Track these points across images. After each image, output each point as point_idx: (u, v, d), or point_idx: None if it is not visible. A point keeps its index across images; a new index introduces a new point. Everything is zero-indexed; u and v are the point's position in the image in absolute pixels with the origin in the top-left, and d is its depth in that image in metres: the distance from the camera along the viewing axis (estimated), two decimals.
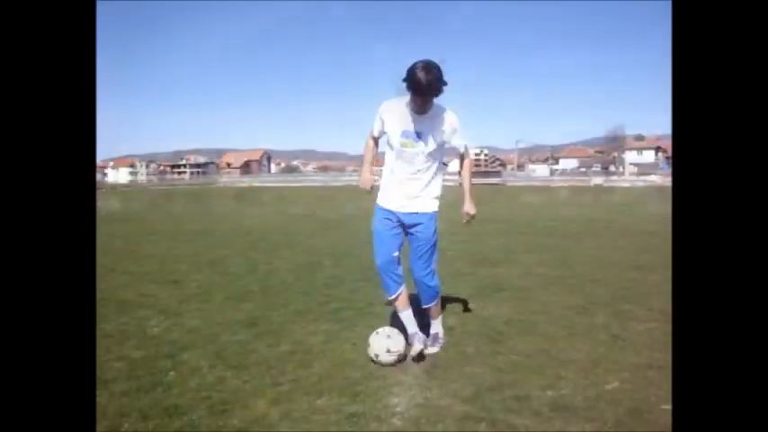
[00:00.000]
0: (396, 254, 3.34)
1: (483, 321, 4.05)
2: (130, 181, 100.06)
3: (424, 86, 2.97)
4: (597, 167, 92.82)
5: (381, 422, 2.50)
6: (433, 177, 3.32)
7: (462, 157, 3.47)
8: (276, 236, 9.66)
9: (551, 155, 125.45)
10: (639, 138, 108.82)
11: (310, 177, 78.14)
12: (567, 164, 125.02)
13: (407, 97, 3.14)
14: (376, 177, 3.45)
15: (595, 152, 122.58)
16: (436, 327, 3.56)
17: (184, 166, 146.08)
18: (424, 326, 3.49)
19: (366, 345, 3.28)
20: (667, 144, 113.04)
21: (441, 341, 3.51)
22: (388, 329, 3.33)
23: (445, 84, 3.04)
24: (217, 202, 21.80)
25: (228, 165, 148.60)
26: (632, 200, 21.37)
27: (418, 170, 3.26)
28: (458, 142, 3.32)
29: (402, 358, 3.23)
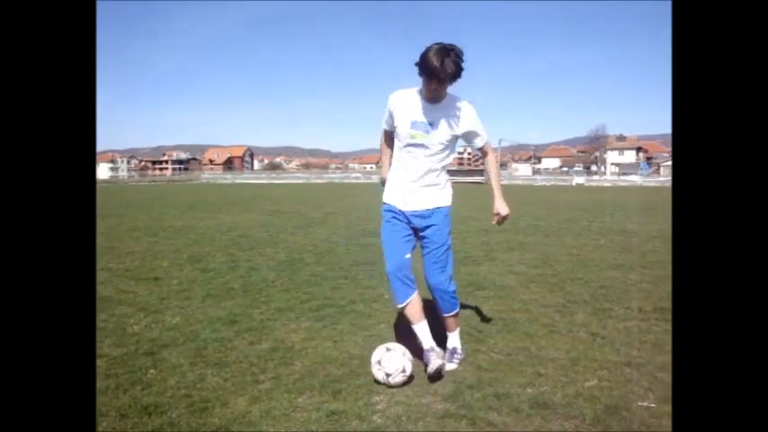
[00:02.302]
0: (408, 256, 3.05)
1: (464, 320, 4.06)
2: (111, 176, 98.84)
3: (440, 71, 2.69)
4: (579, 167, 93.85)
5: (362, 420, 2.50)
6: (444, 170, 3.07)
7: (484, 153, 3.20)
8: (258, 233, 9.61)
9: (534, 154, 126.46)
10: (621, 138, 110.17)
11: (293, 174, 77.83)
12: (550, 163, 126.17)
13: (418, 86, 2.92)
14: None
15: (577, 152, 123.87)
16: (454, 340, 3.25)
17: (166, 162, 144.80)
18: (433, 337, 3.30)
19: (370, 361, 2.97)
20: (648, 144, 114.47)
21: (459, 355, 3.20)
22: (387, 344, 3.01)
23: (462, 69, 2.75)
24: (199, 199, 21.61)
25: (211, 161, 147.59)
26: (613, 199, 21.60)
27: (430, 163, 2.99)
28: (476, 137, 3.06)
29: (410, 378, 2.92)
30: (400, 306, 3.06)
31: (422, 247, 3.13)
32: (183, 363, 3.18)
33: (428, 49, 2.72)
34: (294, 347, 3.45)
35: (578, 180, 49.88)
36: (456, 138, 3.02)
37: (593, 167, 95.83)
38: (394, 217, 3.08)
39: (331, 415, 2.54)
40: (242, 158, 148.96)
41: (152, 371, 3.07)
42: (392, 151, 3.21)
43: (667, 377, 2.92)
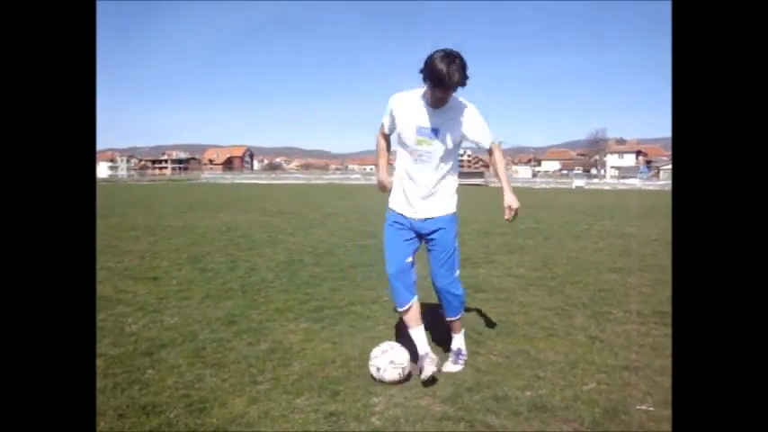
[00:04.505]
0: (409, 260, 3.04)
1: (463, 322, 4.06)
2: (110, 175, 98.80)
3: (447, 78, 2.65)
4: (579, 170, 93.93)
5: (360, 422, 2.50)
6: (450, 175, 3.03)
7: (491, 153, 3.09)
8: (257, 233, 9.60)
9: (534, 157, 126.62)
10: (621, 141, 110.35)
11: (293, 175, 77.87)
12: (550, 166, 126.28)
13: (420, 90, 2.88)
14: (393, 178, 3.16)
15: (577, 155, 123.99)
16: (459, 341, 3.24)
17: (166, 161, 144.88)
18: (438, 340, 3.40)
19: (367, 359, 3.02)
20: (647, 148, 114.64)
21: (464, 357, 3.21)
22: (387, 343, 3.06)
23: (467, 77, 2.72)
24: (198, 199, 21.60)
25: (211, 161, 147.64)
26: (612, 203, 21.60)
27: (436, 170, 2.95)
28: (483, 138, 2.98)
29: (407, 376, 2.95)
30: (401, 310, 3.09)
31: (428, 251, 3.11)
32: (182, 363, 3.18)
33: (432, 57, 2.68)
34: (293, 348, 3.44)
35: (578, 183, 49.93)
36: (461, 141, 2.99)
37: (593, 171, 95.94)
38: (396, 221, 3.07)
39: (329, 416, 2.54)
40: (242, 158, 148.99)
41: (150, 371, 3.06)
42: (389, 153, 3.22)
43: (666, 381, 2.92)
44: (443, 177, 3.01)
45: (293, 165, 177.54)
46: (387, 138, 3.20)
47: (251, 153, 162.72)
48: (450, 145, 2.93)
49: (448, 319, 3.21)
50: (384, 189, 3.20)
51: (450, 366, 3.15)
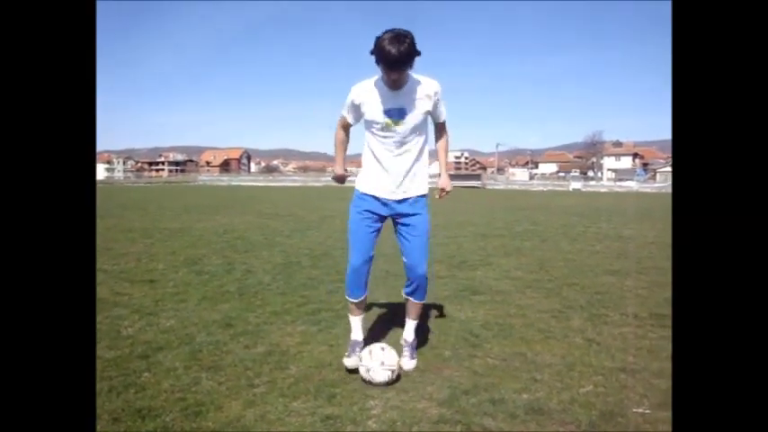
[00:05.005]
0: (372, 253, 3.15)
1: (460, 324, 4.07)
2: (107, 177, 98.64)
3: (396, 58, 2.70)
4: (576, 172, 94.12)
5: (357, 425, 2.49)
6: (423, 153, 3.09)
7: (441, 130, 3.24)
8: (254, 235, 9.59)
9: (531, 159, 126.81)
10: (617, 144, 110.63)
11: (290, 177, 77.84)
12: (547, 168, 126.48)
13: (377, 76, 2.93)
14: (349, 172, 3.25)
15: (574, 157, 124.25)
16: (412, 330, 3.29)
17: (162, 163, 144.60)
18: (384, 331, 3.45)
19: (358, 360, 3.04)
20: (644, 151, 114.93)
21: (414, 348, 3.29)
22: (377, 344, 3.08)
23: (418, 53, 2.78)
24: (195, 201, 21.57)
25: (208, 163, 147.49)
26: (609, 205, 21.64)
27: (408, 149, 3.02)
28: (440, 114, 3.10)
29: (396, 378, 2.98)
30: (354, 301, 3.22)
31: (404, 237, 3.14)
32: (178, 366, 3.17)
33: (381, 39, 2.72)
34: (289, 351, 3.43)
35: (575, 185, 50.00)
36: (428, 114, 3.04)
37: (590, 173, 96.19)
38: (367, 209, 3.11)
39: (326, 420, 2.53)
40: (239, 161, 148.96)
41: (146, 374, 3.05)
42: (346, 149, 3.31)
43: (663, 383, 2.92)
44: (419, 154, 3.06)
45: (290, 167, 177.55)
46: (347, 130, 3.26)
47: (248, 155, 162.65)
48: (418, 120, 2.98)
49: (418, 302, 3.24)
50: (341, 181, 3.38)
51: (408, 363, 3.15)
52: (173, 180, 75.57)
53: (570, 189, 47.09)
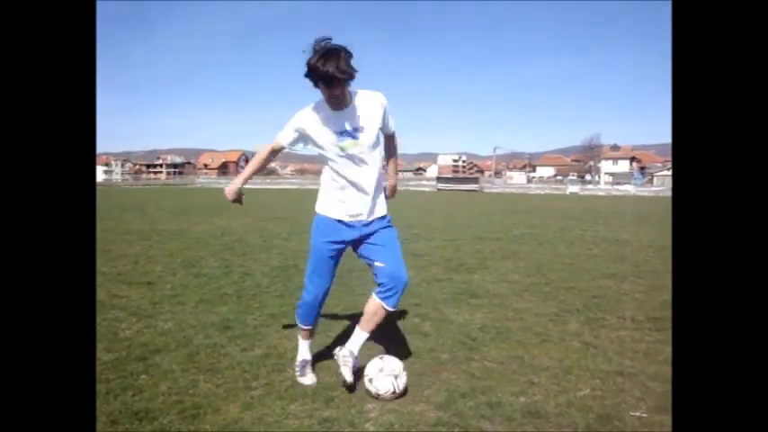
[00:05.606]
0: (330, 284, 3.08)
1: (457, 328, 4.07)
2: (104, 179, 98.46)
3: (337, 75, 2.53)
4: (573, 176, 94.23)
5: (354, 428, 2.50)
6: (381, 171, 2.97)
7: (391, 141, 3.09)
8: (252, 238, 9.59)
9: (529, 162, 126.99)
10: (615, 148, 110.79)
11: (288, 180, 77.83)
12: (544, 172, 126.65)
13: (313, 103, 2.80)
14: (242, 190, 3.15)
15: (572, 161, 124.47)
16: (362, 342, 3.01)
17: (160, 165, 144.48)
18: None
19: (363, 373, 2.92)
20: (641, 154, 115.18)
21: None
22: (381, 361, 2.94)
23: (354, 69, 2.59)
24: (193, 203, 21.54)
25: (206, 166, 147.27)
26: (607, 209, 21.67)
27: (369, 166, 2.86)
28: (390, 123, 2.95)
29: (403, 391, 2.85)
30: (305, 328, 3.18)
31: (378, 245, 2.93)
32: (175, 368, 3.17)
33: (314, 58, 2.55)
34: (287, 354, 3.43)
35: (573, 189, 50.02)
36: (380, 128, 2.89)
37: (588, 177, 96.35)
38: (332, 239, 2.95)
39: (323, 422, 2.53)
40: (237, 163, 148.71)
41: (144, 376, 3.05)
42: (259, 167, 3.28)
43: (660, 387, 2.93)
44: (377, 171, 2.92)
45: (288, 170, 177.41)
46: (275, 152, 3.09)
47: (246, 158, 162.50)
48: (373, 136, 2.84)
49: (390, 309, 2.94)
50: (233, 197, 3.24)
51: (351, 376, 2.88)
52: (171, 182, 75.53)
53: (567, 192, 47.13)
